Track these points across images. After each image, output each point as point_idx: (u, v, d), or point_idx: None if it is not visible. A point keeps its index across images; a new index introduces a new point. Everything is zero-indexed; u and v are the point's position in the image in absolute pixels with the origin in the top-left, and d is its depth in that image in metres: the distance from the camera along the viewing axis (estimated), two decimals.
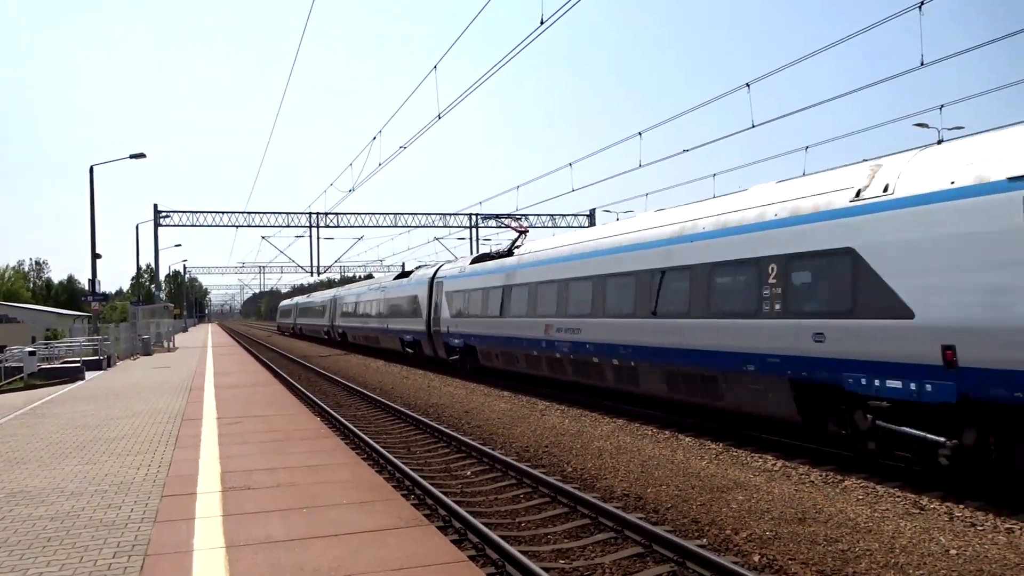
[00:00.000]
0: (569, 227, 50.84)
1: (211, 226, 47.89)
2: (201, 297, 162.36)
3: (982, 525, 7.66)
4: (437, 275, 28.53)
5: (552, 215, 52.81)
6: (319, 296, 63.57)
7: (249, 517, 6.83)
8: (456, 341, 25.49)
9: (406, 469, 10.66)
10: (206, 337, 59.96)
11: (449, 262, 31.09)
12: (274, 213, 48.80)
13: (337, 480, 8.30)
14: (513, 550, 7.00)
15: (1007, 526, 7.60)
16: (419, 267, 36.63)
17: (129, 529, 6.53)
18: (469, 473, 11.12)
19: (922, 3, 13.96)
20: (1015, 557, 6.67)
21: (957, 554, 6.78)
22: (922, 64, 14.64)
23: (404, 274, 37.27)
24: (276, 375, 25.90)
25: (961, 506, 8.34)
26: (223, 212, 47.75)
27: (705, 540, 7.59)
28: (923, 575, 6.38)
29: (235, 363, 29.22)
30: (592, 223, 49.74)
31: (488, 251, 28.74)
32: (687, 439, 12.70)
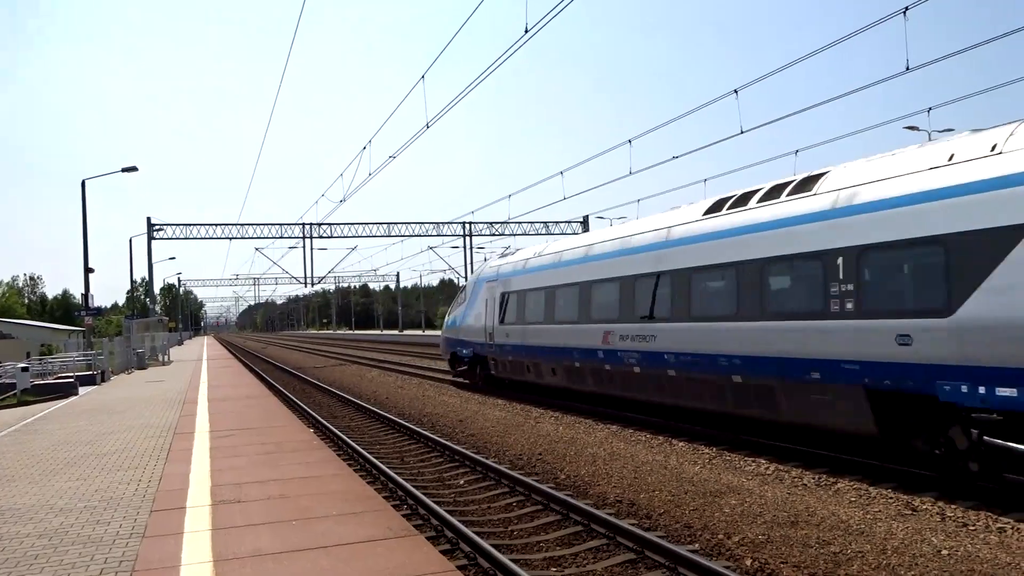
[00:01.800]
0: (563, 234, 50.97)
1: (205, 238, 48.04)
2: (196, 310, 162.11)
3: (974, 525, 7.67)
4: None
5: (545, 222, 53.01)
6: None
7: (238, 530, 6.79)
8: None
9: (398, 479, 10.61)
10: (201, 350, 59.80)
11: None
12: (267, 224, 49.01)
13: (328, 492, 8.26)
14: (504, 558, 6.96)
15: (998, 526, 7.60)
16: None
17: (117, 545, 6.48)
18: (462, 482, 11.09)
19: (907, 8, 14.06)
20: (1006, 557, 6.67)
21: (949, 554, 6.78)
22: (907, 69, 14.71)
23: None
24: (270, 387, 25.82)
25: (953, 506, 8.34)
26: (216, 224, 47.90)
27: (697, 545, 7.58)
28: None
29: (229, 376, 29.11)
30: (586, 230, 49.83)
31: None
32: (681, 444, 12.69)
